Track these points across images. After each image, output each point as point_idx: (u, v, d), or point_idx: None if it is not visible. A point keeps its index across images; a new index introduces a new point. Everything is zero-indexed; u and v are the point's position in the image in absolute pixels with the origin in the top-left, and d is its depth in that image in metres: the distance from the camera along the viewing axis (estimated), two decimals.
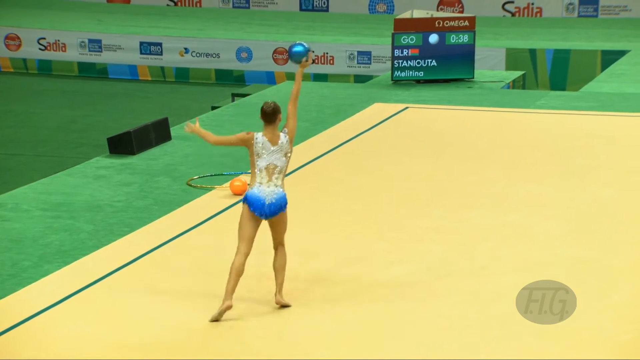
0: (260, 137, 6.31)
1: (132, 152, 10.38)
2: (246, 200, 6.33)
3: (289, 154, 6.40)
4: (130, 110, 16.29)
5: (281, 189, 6.34)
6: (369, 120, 11.91)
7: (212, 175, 9.60)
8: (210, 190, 9.14)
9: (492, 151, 10.45)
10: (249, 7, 24.40)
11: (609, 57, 16.82)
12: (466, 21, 14.36)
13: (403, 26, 14.38)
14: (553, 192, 8.94)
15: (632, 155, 10.14)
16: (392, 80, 14.56)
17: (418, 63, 14.38)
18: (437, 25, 14.34)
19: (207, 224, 8.24)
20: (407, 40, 14.30)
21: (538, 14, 22.85)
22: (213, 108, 13.65)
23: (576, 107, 12.60)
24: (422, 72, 14.40)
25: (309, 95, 13.72)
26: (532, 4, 22.86)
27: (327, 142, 10.90)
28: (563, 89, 16.59)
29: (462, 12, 22.87)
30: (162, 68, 19.52)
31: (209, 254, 7.55)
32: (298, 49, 6.49)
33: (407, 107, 12.73)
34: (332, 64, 18.91)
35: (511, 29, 20.54)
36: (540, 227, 7.99)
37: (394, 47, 14.37)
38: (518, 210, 8.42)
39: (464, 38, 14.25)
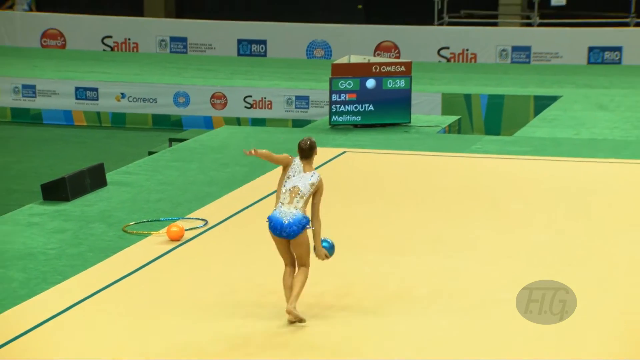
0: (298, 161, 6.95)
1: (66, 199, 10.24)
2: (268, 221, 6.82)
3: (315, 185, 6.83)
4: (65, 156, 16.09)
5: (300, 212, 6.73)
6: None
7: (148, 221, 9.51)
8: (147, 236, 9.05)
9: (428, 195, 10.55)
10: (186, 52, 24.43)
11: (542, 103, 17.19)
12: (402, 66, 14.57)
13: (340, 71, 14.53)
14: (488, 236, 9.05)
15: (565, 199, 10.34)
16: (329, 124, 14.66)
17: (355, 108, 14.52)
18: (374, 70, 14.52)
19: (143, 271, 8.14)
20: (344, 85, 14.45)
21: (472, 60, 23.31)
22: (150, 153, 13.56)
23: (510, 151, 12.82)
24: (360, 117, 14.54)
25: (247, 139, 13.73)
26: (467, 50, 23.32)
27: (265, 186, 10.90)
28: (498, 134, 16.86)
29: (398, 57, 23.23)
30: (98, 113, 19.37)
31: (145, 300, 7.45)
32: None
33: (344, 152, 12.82)
34: (271, 108, 18.98)
35: (446, 74, 20.90)
36: (476, 271, 8.07)
37: (331, 92, 14.50)
38: (454, 255, 8.50)
39: (401, 83, 14.44)
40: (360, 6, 26.72)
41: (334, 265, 7.75)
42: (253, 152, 6.93)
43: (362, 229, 9.29)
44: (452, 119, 15.72)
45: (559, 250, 8.59)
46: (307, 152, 6.87)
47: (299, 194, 6.75)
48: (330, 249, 6.93)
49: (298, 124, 18.13)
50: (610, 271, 8.01)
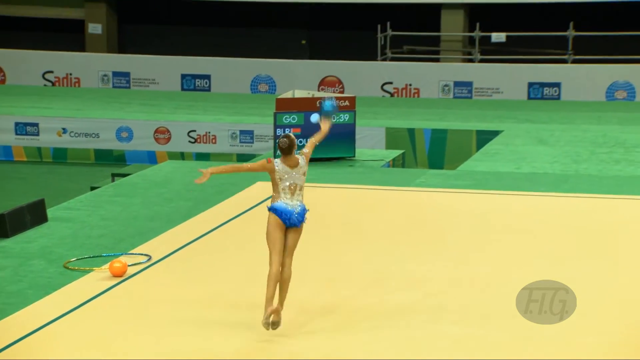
0: (279, 163, 7.35)
1: (5, 235, 10.04)
2: (275, 210, 7.26)
3: (305, 162, 7.40)
4: (5, 192, 15.82)
5: (303, 203, 7.36)
6: (251, 200, 11.91)
7: (90, 257, 9.37)
8: (89, 272, 8.90)
9: (373, 229, 10.58)
10: (129, 87, 24.30)
11: (484, 137, 17.42)
12: (347, 101, 14.67)
13: (285, 106, 14.57)
14: (433, 270, 9.09)
15: (507, 232, 10.45)
16: (274, 158, 14.65)
17: (300, 142, 14.54)
18: (318, 104, 14.55)
19: (84, 307, 8.00)
20: (289, 119, 14.48)
21: (416, 95, 23.59)
22: (92, 188, 13.40)
23: (453, 185, 12.94)
24: None
25: (190, 174, 13.65)
26: (410, 85, 23.60)
27: (209, 221, 10.83)
28: (441, 168, 17.02)
29: (342, 92, 23.40)
30: (39, 148, 19.12)
31: (86, 338, 7.32)
32: (328, 107, 7.72)
33: None
34: (215, 143, 18.94)
35: (390, 108, 21.09)
36: (421, 305, 8.08)
37: (276, 126, 14.52)
38: (399, 288, 8.51)
39: (345, 117, 14.53)
40: (304, 42, 26.90)
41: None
42: (205, 173, 7.23)
43: (305, 264, 9.26)
44: (396, 153, 15.84)
45: (501, 281, 8.65)
46: (287, 150, 7.35)
47: (297, 187, 7.34)
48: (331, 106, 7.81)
49: (243, 158, 18.10)
50: None
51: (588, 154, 15.60)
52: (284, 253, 7.29)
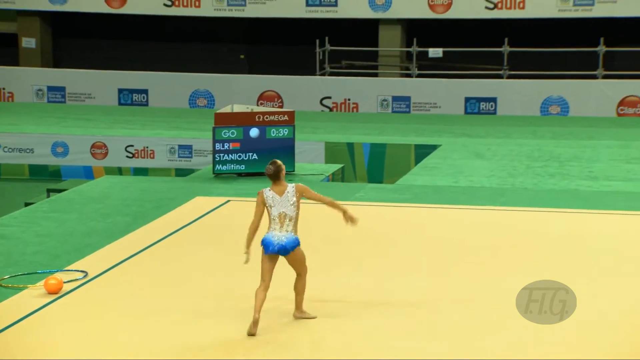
0: (268, 191, 7.68)
1: None
2: (262, 243, 7.66)
3: (297, 204, 7.65)
4: None
5: (292, 234, 7.63)
6: (191, 214, 11.84)
7: (25, 274, 9.20)
8: (23, 289, 8.74)
9: (312, 244, 10.58)
10: (64, 102, 23.99)
11: (422, 151, 17.58)
12: (286, 115, 14.69)
13: (224, 120, 14.53)
14: (373, 283, 9.13)
15: (445, 245, 10.55)
16: (213, 173, 14.60)
17: (239, 156, 14.52)
18: (257, 119, 14.58)
19: (19, 325, 7.84)
20: (227, 134, 14.44)
21: (355, 109, 23.72)
22: (27, 204, 13.18)
23: (393, 199, 13.03)
24: (244, 166, 14.54)
25: (128, 189, 13.51)
26: (349, 99, 23.74)
27: (148, 236, 10.72)
28: (380, 182, 17.13)
29: (281, 106, 23.42)
30: None
31: (20, 356, 7.16)
32: None
33: (228, 201, 12.76)
34: (153, 157, 18.78)
35: (329, 123, 21.17)
36: (360, 320, 8.10)
37: (214, 141, 14.46)
38: (340, 301, 8.52)
39: (284, 132, 14.54)
40: (242, 56, 26.88)
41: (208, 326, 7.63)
42: (247, 253, 7.69)
43: (247, 278, 9.22)
44: (335, 167, 15.89)
45: (443, 294, 8.73)
46: (274, 176, 7.63)
47: (286, 217, 7.61)
48: None
49: (181, 173, 17.98)
50: (489, 314, 8.18)
51: (524, 168, 15.85)
52: (295, 270, 7.80)
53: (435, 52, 24.20)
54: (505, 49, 23.92)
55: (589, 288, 8.50)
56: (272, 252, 7.58)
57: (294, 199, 7.60)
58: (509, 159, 16.75)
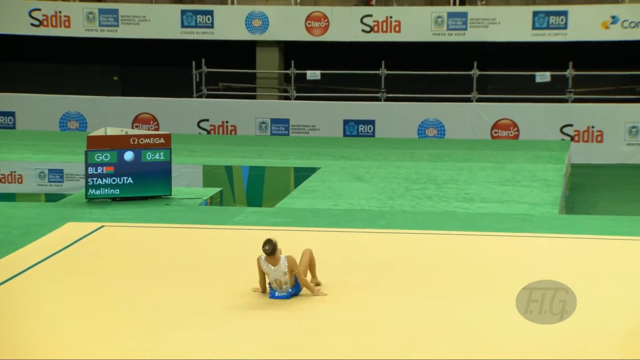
0: (262, 260, 9.11)
1: None
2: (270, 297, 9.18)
3: (287, 268, 9.04)
4: None
5: (289, 288, 9.09)
6: (62, 241, 11.52)
7: None
8: None
9: (189, 268, 10.46)
10: None
11: (301, 174, 17.67)
12: (162, 138, 14.51)
13: (97, 143, 14.24)
14: (248, 307, 9.08)
15: (324, 268, 10.60)
16: (86, 198, 14.28)
17: (113, 180, 14.25)
18: (132, 142, 14.35)
19: None
20: (101, 157, 14.16)
21: (233, 132, 23.68)
22: None
23: (272, 222, 13.02)
24: (118, 190, 14.27)
25: None
26: (227, 122, 23.68)
27: (16, 265, 10.36)
28: (259, 205, 17.11)
29: (157, 129, 23.16)
30: None
31: None
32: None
33: (102, 226, 12.50)
34: (21, 182, 18.21)
35: (207, 146, 21.04)
36: (231, 345, 8.04)
37: (87, 165, 14.16)
38: (218, 326, 8.46)
39: (160, 155, 14.37)
40: (116, 78, 26.47)
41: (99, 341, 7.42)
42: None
43: (124, 304, 9.02)
44: (213, 190, 15.79)
45: (317, 315, 8.77)
46: (271, 254, 9.01)
47: (282, 282, 9.04)
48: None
49: (52, 198, 17.50)
50: (360, 331, 8.26)
51: (402, 190, 16.13)
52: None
53: (313, 74, 24.44)
54: (383, 71, 24.38)
55: (460, 309, 8.70)
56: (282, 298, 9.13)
57: (286, 269, 8.98)
58: (388, 181, 17.02)
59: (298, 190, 16.21)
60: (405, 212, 14.10)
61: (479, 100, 24.19)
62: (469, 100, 24.16)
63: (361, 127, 23.67)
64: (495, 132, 23.55)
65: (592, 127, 23.15)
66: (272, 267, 8.97)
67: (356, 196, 15.55)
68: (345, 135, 23.57)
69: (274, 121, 23.59)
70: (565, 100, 23.94)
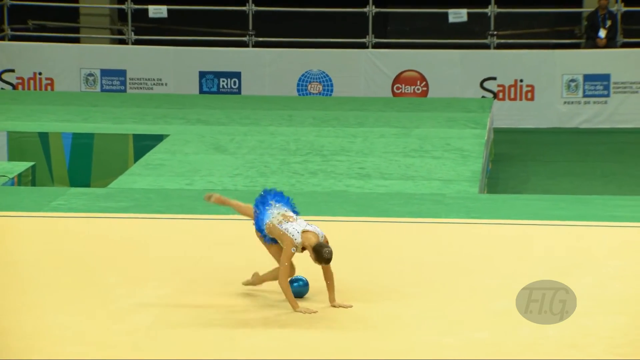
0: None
1: None
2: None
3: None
4: None
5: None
6: None
7: None
8: None
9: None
10: None
11: (144, 144, 17.53)
12: None
13: None
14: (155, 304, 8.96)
15: (174, 261, 10.54)
16: None
17: None
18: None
19: None
20: None
21: (49, 86, 23.27)
22: None
23: (105, 208, 12.87)
24: None
25: None
26: (40, 73, 23.20)
27: None
28: (87, 185, 16.94)
29: None
30: None
31: None
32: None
33: None
34: None
35: (14, 106, 20.61)
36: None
37: None
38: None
39: None
40: None
41: None
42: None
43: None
44: (23, 166, 15.60)
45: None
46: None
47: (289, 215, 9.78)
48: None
49: None
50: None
51: (278, 164, 16.18)
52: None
53: (157, 10, 24.15)
54: (251, 7, 24.30)
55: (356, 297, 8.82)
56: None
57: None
58: (259, 152, 17.04)
59: (139, 165, 16.10)
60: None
61: (376, 45, 24.39)
62: (363, 46, 24.34)
63: (223, 81, 23.59)
64: (398, 88, 23.83)
65: (521, 80, 23.68)
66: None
67: (217, 172, 15.54)
68: (201, 92, 23.46)
69: (104, 73, 23.29)
70: (486, 46, 24.39)
